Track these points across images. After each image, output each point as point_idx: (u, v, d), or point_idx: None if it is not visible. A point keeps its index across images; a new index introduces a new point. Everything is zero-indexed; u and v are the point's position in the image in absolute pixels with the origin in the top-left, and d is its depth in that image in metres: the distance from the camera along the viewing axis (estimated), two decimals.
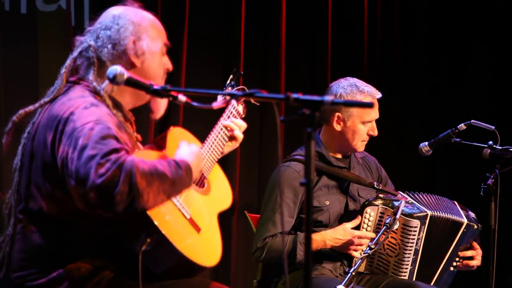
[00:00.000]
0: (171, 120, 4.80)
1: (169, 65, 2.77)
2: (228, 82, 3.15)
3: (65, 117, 2.48)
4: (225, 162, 5.03)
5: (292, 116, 2.17)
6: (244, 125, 3.05)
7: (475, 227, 3.75)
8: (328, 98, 2.14)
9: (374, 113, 3.66)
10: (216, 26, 5.12)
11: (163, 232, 2.48)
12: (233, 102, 3.04)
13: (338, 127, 3.65)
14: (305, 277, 2.16)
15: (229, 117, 3.03)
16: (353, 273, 3.29)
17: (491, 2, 5.83)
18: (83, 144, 2.38)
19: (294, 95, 2.18)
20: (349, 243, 3.53)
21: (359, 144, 3.69)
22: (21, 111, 2.65)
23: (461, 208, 3.80)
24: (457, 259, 3.78)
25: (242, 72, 3.18)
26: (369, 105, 2.41)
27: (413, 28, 5.82)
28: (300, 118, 2.14)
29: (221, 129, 2.96)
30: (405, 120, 5.73)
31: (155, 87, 2.51)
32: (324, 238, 3.54)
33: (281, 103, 4.44)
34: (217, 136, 2.94)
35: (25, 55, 4.48)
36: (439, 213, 3.66)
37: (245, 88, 3.12)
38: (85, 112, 2.48)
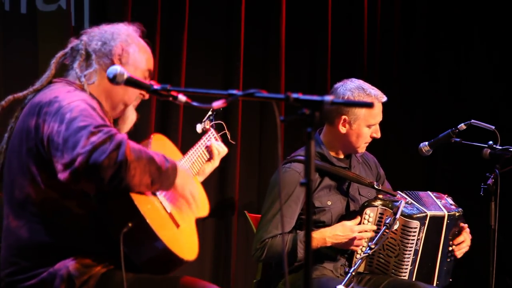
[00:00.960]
0: (171, 120, 4.81)
1: (145, 93, 2.82)
2: (207, 116, 3.26)
3: (48, 101, 2.55)
4: (225, 162, 5.03)
5: (292, 116, 2.17)
6: (224, 149, 3.16)
7: (457, 214, 3.74)
8: (328, 98, 2.14)
9: (379, 116, 3.68)
10: (216, 26, 5.12)
11: (144, 217, 2.50)
12: (210, 133, 3.17)
13: (343, 130, 3.65)
14: (305, 277, 2.16)
15: (209, 140, 3.16)
16: (353, 273, 3.29)
17: (491, 0, 5.83)
18: (72, 117, 2.44)
19: (294, 95, 2.18)
20: (350, 238, 3.53)
21: (362, 146, 3.70)
22: (10, 97, 2.73)
23: (437, 198, 3.79)
24: (450, 248, 3.77)
25: (221, 109, 3.23)
26: (369, 105, 2.42)
27: (413, 28, 5.82)
28: (300, 118, 2.14)
29: (201, 147, 3.08)
30: (405, 120, 5.73)
31: (155, 87, 2.52)
32: (324, 235, 3.54)
33: (281, 103, 4.45)
34: (197, 152, 3.05)
35: (25, 55, 4.48)
36: (434, 211, 3.65)
37: (223, 124, 3.29)
38: (69, 94, 2.56)
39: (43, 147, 2.52)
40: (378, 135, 3.71)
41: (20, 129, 2.62)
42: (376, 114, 3.66)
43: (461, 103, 5.81)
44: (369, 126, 3.66)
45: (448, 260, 3.78)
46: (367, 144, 3.73)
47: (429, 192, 3.82)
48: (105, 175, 2.37)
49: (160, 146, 2.81)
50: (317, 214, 3.60)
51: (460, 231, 3.79)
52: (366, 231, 3.53)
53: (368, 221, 3.57)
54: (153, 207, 2.59)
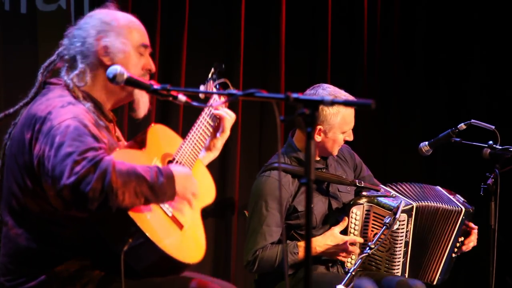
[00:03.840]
0: (171, 120, 4.80)
1: (150, 66, 2.76)
2: (209, 76, 3.12)
3: (43, 116, 2.51)
4: (225, 162, 5.04)
5: (292, 116, 2.17)
6: (233, 115, 2.97)
7: (471, 211, 3.80)
8: (328, 97, 2.15)
9: (352, 123, 3.69)
10: (216, 26, 5.12)
11: (145, 231, 2.48)
12: (215, 96, 2.98)
13: (318, 138, 3.65)
14: (305, 277, 2.16)
15: (211, 111, 2.95)
16: (353, 273, 3.30)
17: (490, 1, 5.83)
18: (60, 141, 2.40)
19: (294, 95, 2.18)
20: (339, 248, 3.56)
21: (336, 149, 3.71)
22: (1, 114, 2.71)
23: (449, 193, 3.82)
24: (458, 245, 3.81)
25: (223, 66, 3.14)
26: (369, 105, 2.40)
27: (413, 28, 5.82)
28: (300, 118, 2.14)
29: (203, 124, 2.91)
30: (405, 120, 5.73)
31: (155, 86, 2.52)
32: (314, 245, 3.55)
33: (281, 103, 4.46)
34: (198, 131, 2.88)
35: (25, 55, 4.48)
36: (425, 202, 3.69)
37: (227, 81, 3.07)
38: (62, 111, 2.50)
39: (34, 165, 2.51)
40: (351, 138, 3.72)
41: (17, 139, 2.59)
42: (350, 121, 3.67)
43: (461, 103, 5.81)
44: (343, 133, 3.67)
45: (453, 255, 3.81)
46: (340, 146, 3.73)
47: (439, 187, 3.86)
48: (92, 206, 2.36)
49: (157, 137, 2.75)
50: (301, 218, 3.62)
51: (468, 229, 3.83)
52: (356, 242, 3.55)
53: (356, 219, 3.61)
54: (152, 216, 2.56)
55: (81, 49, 2.66)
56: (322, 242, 3.57)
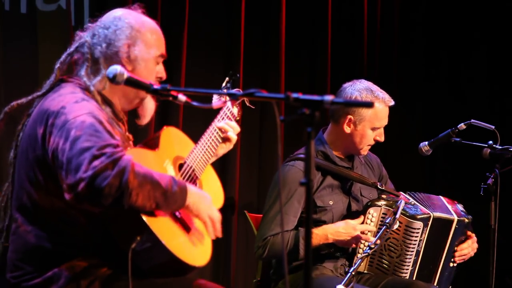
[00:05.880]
0: (171, 120, 4.80)
1: (162, 74, 2.77)
2: (224, 84, 3.13)
3: (56, 110, 2.50)
4: (225, 162, 5.04)
5: (292, 116, 2.17)
6: (237, 127, 3.01)
7: (466, 220, 3.74)
8: (328, 97, 2.14)
9: (384, 120, 3.67)
10: (216, 26, 5.12)
11: (153, 230, 2.48)
12: (228, 104, 3.01)
13: (347, 129, 3.64)
14: (305, 276, 2.16)
15: (223, 118, 2.98)
16: (353, 273, 3.29)
17: (490, 1, 5.83)
18: (76, 135, 2.40)
19: (294, 95, 2.18)
20: (352, 236, 3.53)
21: (365, 148, 3.70)
22: (13, 103, 2.68)
23: (448, 203, 3.79)
24: (455, 254, 3.77)
25: (238, 75, 3.16)
26: (369, 105, 2.42)
27: (413, 28, 5.83)
28: (300, 118, 2.14)
29: (215, 130, 2.93)
30: (405, 120, 5.73)
31: (155, 86, 2.53)
32: (326, 232, 3.54)
33: (281, 103, 4.46)
34: (210, 137, 2.90)
35: (25, 55, 4.48)
36: (439, 213, 3.65)
37: (241, 91, 3.07)
38: (76, 106, 2.50)
39: (49, 159, 2.50)
40: (381, 138, 3.70)
41: (28, 134, 2.59)
42: (382, 118, 3.66)
43: (461, 103, 5.82)
44: (373, 129, 3.65)
45: (451, 265, 3.78)
46: (369, 147, 3.73)
47: (441, 196, 3.82)
48: (106, 202, 2.35)
49: (170, 139, 2.76)
50: (318, 213, 3.60)
51: (466, 239, 3.79)
52: (368, 231, 3.53)
53: (371, 221, 3.57)
54: (161, 217, 2.55)
55: (106, 51, 2.65)
56: (334, 229, 3.53)
